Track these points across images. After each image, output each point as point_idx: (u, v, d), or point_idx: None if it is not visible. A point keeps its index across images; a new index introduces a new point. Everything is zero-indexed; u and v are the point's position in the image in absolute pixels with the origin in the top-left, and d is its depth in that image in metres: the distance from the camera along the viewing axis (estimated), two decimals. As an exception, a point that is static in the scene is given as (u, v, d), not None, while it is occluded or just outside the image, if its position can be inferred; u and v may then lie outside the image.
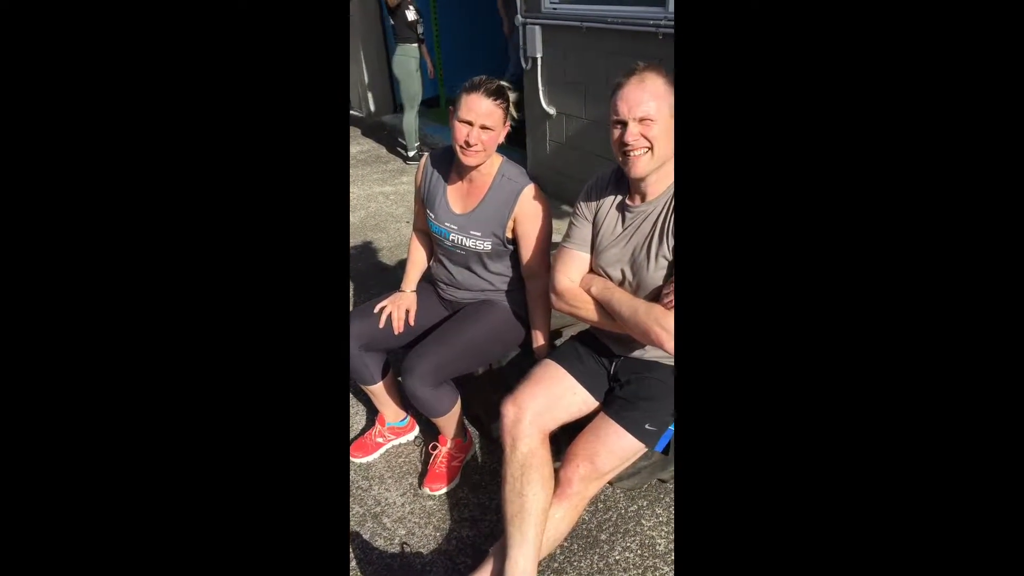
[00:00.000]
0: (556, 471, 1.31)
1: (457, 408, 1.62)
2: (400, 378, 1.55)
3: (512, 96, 1.49)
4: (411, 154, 4.66)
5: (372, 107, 6.21)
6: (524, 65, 3.64)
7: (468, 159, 1.47)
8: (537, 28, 3.44)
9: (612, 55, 3.03)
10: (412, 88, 4.47)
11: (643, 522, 1.52)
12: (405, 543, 1.50)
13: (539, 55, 3.50)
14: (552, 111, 3.57)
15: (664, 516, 1.53)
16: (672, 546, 1.44)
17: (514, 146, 4.48)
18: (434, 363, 1.51)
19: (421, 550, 1.49)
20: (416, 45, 4.41)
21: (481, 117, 1.42)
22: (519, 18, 3.55)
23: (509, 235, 1.57)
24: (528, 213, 1.52)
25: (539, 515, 1.21)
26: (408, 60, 4.41)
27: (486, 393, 1.81)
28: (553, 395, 1.36)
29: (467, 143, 1.44)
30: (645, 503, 1.57)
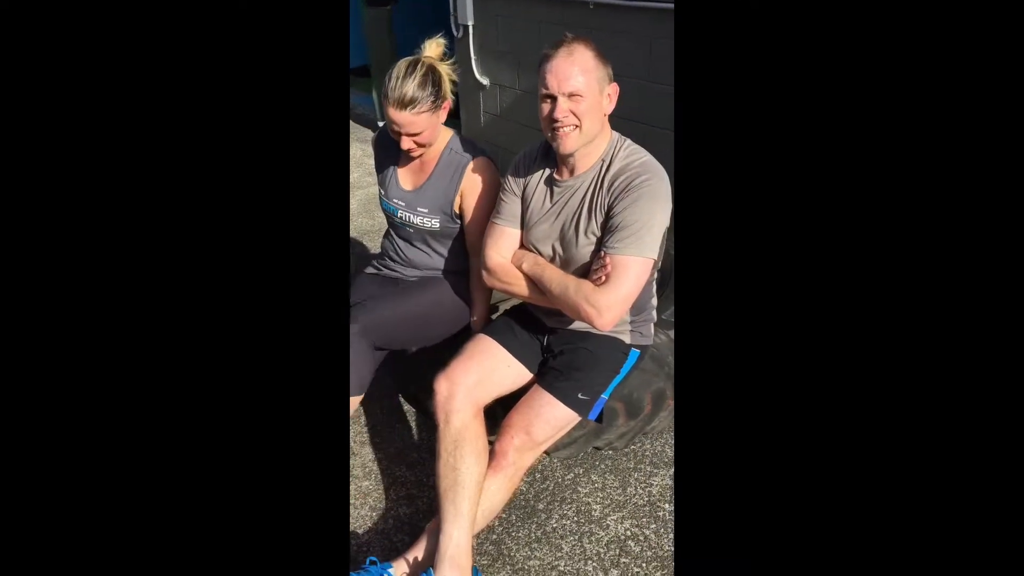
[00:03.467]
0: (492, 444, 1.32)
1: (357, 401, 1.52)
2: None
3: (445, 69, 1.44)
4: None
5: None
6: (456, 33, 3.55)
7: (414, 154, 1.48)
8: (468, -5, 3.35)
9: (542, 24, 2.99)
10: None
11: (579, 489, 1.56)
12: (341, 525, 1.48)
13: (470, 23, 3.42)
14: (485, 82, 3.50)
15: (599, 483, 1.57)
16: (607, 510, 1.49)
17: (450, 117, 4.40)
18: (375, 320, 1.44)
19: (357, 530, 1.47)
20: None
21: (405, 127, 1.39)
22: (449, -17, 3.44)
23: (457, 211, 1.55)
24: (471, 187, 1.50)
25: (473, 488, 1.21)
26: None
27: (422, 371, 1.79)
28: (486, 369, 1.36)
29: (408, 150, 1.44)
30: (581, 471, 1.61)
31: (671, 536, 1.41)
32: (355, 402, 1.48)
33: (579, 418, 1.35)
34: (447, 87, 1.44)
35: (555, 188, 1.30)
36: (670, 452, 1.65)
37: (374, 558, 1.23)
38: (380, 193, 1.64)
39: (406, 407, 1.85)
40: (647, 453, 1.65)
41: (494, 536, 1.43)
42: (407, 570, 1.23)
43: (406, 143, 1.42)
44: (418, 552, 1.25)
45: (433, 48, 1.45)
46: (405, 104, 1.36)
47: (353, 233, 3.10)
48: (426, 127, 1.41)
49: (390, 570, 1.22)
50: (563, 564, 1.36)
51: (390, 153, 1.60)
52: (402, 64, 1.39)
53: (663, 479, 1.58)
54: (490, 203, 1.49)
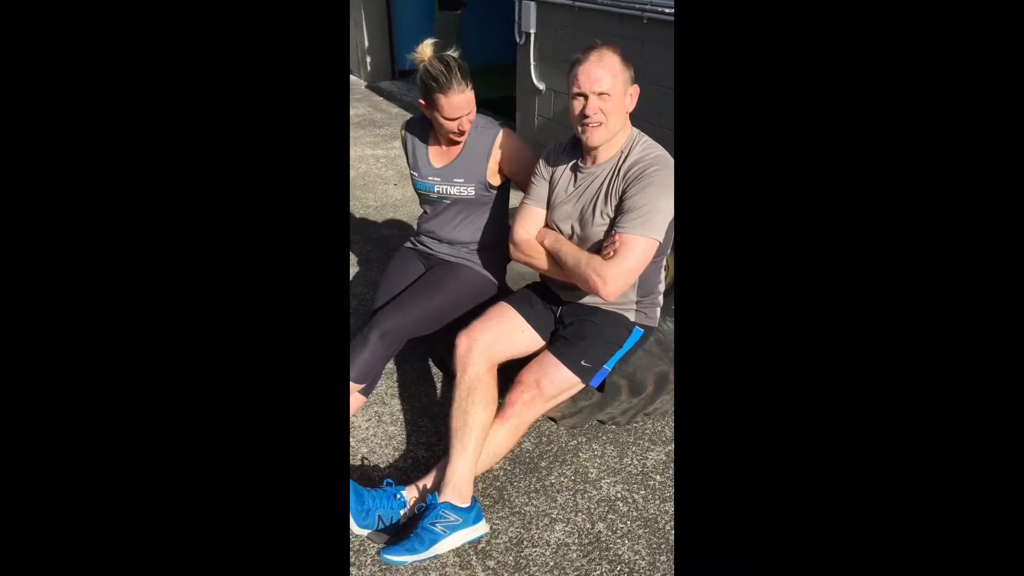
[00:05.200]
0: (503, 400, 1.49)
1: (359, 404, 1.67)
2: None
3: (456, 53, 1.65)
4: None
5: (369, 71, 6.28)
6: (518, 39, 3.76)
7: (461, 138, 1.66)
8: (532, 4, 3.55)
9: (599, 35, 3.16)
10: None
11: (580, 454, 1.71)
12: (365, 458, 1.68)
13: (533, 31, 3.62)
14: (542, 86, 3.69)
15: (599, 451, 1.72)
16: (602, 474, 1.64)
17: (504, 119, 4.61)
18: (395, 325, 1.62)
19: (380, 464, 1.67)
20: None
21: (464, 108, 1.57)
22: (516, -7, 3.65)
23: (492, 180, 1.72)
24: (509, 153, 1.69)
25: (479, 430, 1.39)
26: None
27: (450, 337, 1.98)
28: (503, 331, 1.53)
29: (460, 131, 1.62)
30: (584, 439, 1.76)
31: (657, 502, 1.54)
32: (362, 401, 1.66)
33: (582, 383, 1.50)
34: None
35: (579, 174, 1.47)
36: (669, 432, 1.78)
37: (390, 480, 1.42)
38: (412, 176, 1.81)
39: (434, 369, 2.04)
40: (647, 431, 1.79)
41: (498, 483, 1.60)
42: (416, 495, 1.42)
43: (464, 124, 1.60)
44: (428, 481, 1.43)
45: (430, 48, 1.61)
46: (460, 83, 1.54)
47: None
48: (472, 108, 1.61)
49: (403, 491, 1.41)
50: (555, 512, 1.51)
51: (419, 139, 1.78)
52: (433, 60, 1.56)
53: (658, 454, 1.71)
54: (531, 158, 1.67)
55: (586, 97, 1.33)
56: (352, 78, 6.48)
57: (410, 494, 1.42)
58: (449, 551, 1.36)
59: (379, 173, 3.91)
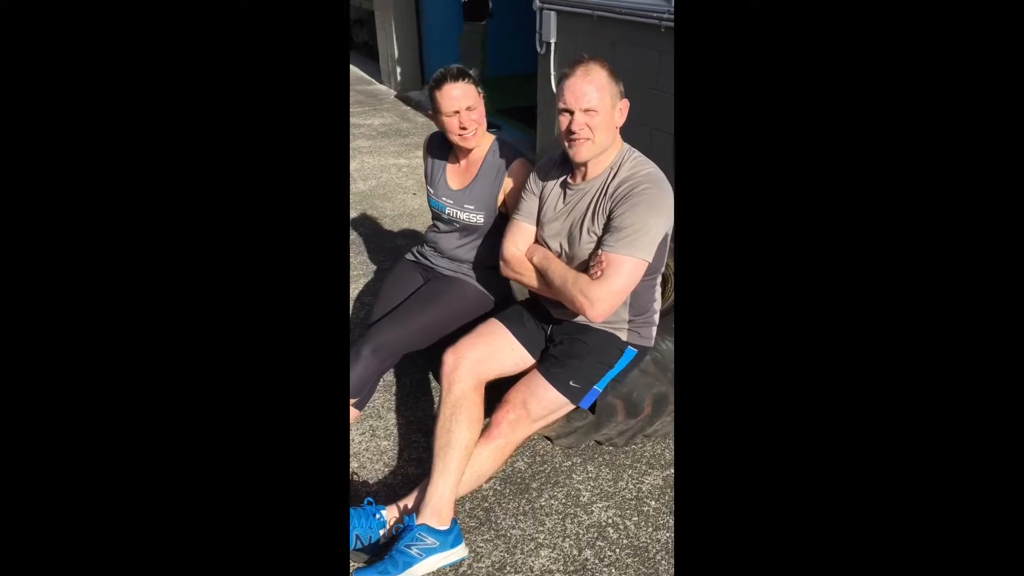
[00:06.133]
0: (490, 420, 1.46)
1: (354, 418, 1.66)
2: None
3: (472, 72, 1.63)
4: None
5: (399, 80, 6.36)
6: (539, 49, 3.74)
7: (469, 142, 1.62)
8: (552, 14, 3.53)
9: (616, 44, 3.11)
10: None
11: (574, 476, 1.66)
12: (355, 473, 1.67)
13: (553, 40, 3.60)
14: (562, 96, 3.66)
15: (594, 473, 1.67)
16: (594, 497, 1.58)
17: (526, 127, 4.61)
18: (388, 340, 1.60)
19: (368, 480, 1.65)
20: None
21: (462, 100, 1.55)
22: (537, 3, 3.64)
23: (502, 208, 1.71)
24: (513, 186, 1.66)
25: (462, 450, 1.36)
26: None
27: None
28: (491, 348, 1.50)
29: (462, 128, 1.58)
30: (579, 460, 1.71)
31: (650, 529, 1.48)
32: (356, 415, 1.64)
33: (570, 404, 1.46)
34: (477, 87, 1.62)
35: (568, 191, 1.43)
36: (668, 455, 1.72)
37: (371, 499, 1.41)
38: (428, 192, 1.82)
39: (433, 383, 2.02)
40: (645, 453, 1.73)
41: (486, 504, 1.57)
42: (396, 514, 1.39)
43: (467, 118, 1.56)
44: (409, 501, 1.41)
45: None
46: (456, 76, 1.54)
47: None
48: (476, 103, 1.58)
49: (383, 511, 1.39)
50: (542, 537, 1.47)
51: (439, 156, 1.79)
52: (440, 70, 1.58)
53: (655, 479, 1.64)
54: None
55: (572, 113, 1.29)
56: (381, 87, 6.58)
57: (390, 513, 1.39)
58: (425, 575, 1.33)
59: (399, 183, 3.93)
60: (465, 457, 1.37)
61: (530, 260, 1.48)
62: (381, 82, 6.85)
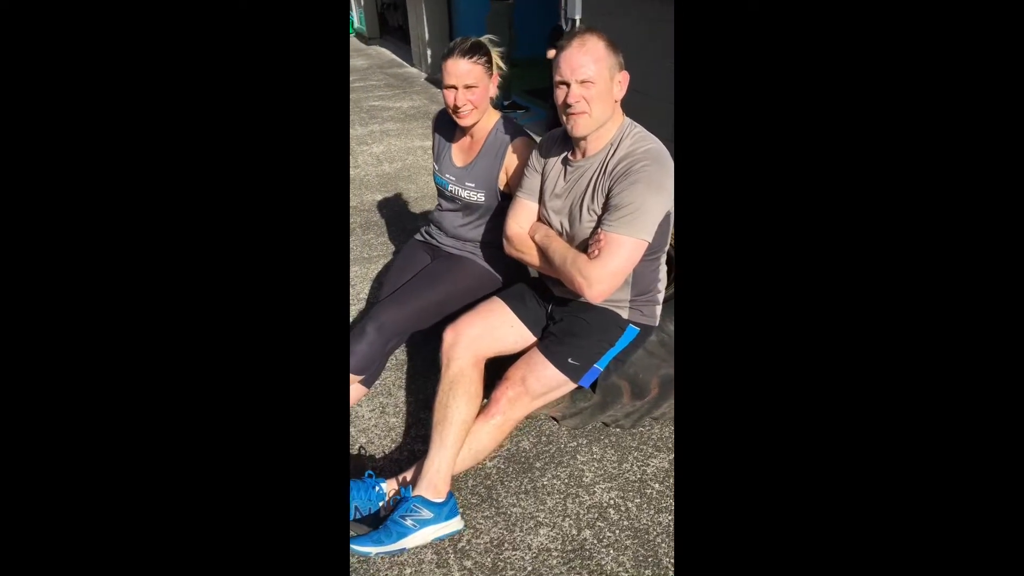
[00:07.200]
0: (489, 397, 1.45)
1: (360, 395, 1.68)
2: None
3: (498, 50, 1.60)
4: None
5: (429, 63, 6.36)
6: (564, 26, 3.67)
7: (463, 120, 1.59)
8: (578, -10, 3.46)
9: (641, 20, 3.03)
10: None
11: (578, 457, 1.65)
12: (363, 448, 1.70)
13: (578, 16, 3.52)
14: (587, 75, 3.60)
15: (598, 454, 1.65)
16: (597, 478, 1.57)
17: (547, 104, 4.53)
18: (393, 317, 1.60)
19: (375, 455, 1.68)
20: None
21: (462, 78, 1.52)
22: (562, -21, 3.57)
23: (503, 187, 1.69)
24: (514, 165, 1.63)
25: (459, 425, 1.36)
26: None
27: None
28: (490, 326, 1.49)
29: (456, 106, 1.55)
30: (584, 441, 1.69)
31: (651, 512, 1.46)
32: (363, 391, 1.66)
33: (570, 381, 1.44)
34: (496, 62, 1.59)
35: (569, 168, 1.40)
36: (676, 439, 1.69)
37: (371, 472, 1.43)
38: (434, 168, 1.81)
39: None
40: (652, 436, 1.70)
41: (488, 482, 1.57)
42: (396, 487, 1.41)
43: (461, 97, 1.53)
44: (408, 474, 1.42)
45: (484, 39, 1.60)
46: (467, 51, 1.51)
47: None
48: (478, 83, 1.54)
49: (382, 484, 1.41)
50: (542, 516, 1.46)
51: (445, 132, 1.78)
52: (459, 39, 1.57)
53: (661, 461, 1.62)
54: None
55: (568, 85, 1.26)
56: (413, 70, 6.60)
57: (390, 486, 1.41)
58: (426, 547, 1.34)
59: (424, 165, 3.95)
60: (462, 432, 1.37)
61: (532, 238, 1.46)
62: (413, 65, 6.87)
